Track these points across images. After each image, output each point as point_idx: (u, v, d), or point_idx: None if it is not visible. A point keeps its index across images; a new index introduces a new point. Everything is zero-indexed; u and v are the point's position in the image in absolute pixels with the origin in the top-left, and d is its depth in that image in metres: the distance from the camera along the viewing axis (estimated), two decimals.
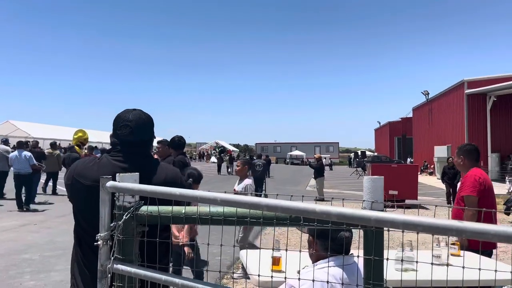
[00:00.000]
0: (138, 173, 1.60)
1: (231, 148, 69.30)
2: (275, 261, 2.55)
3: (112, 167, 1.67)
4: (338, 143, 71.43)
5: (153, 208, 1.53)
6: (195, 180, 4.05)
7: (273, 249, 2.38)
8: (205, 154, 62.95)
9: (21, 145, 10.44)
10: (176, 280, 1.38)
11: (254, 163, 14.28)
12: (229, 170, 28.49)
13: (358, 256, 1.41)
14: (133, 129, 1.73)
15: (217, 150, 64.03)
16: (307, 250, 1.89)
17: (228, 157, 32.37)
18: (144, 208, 1.54)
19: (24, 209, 9.54)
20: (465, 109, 24.10)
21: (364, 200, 1.45)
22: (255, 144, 75.34)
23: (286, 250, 1.56)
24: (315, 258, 1.79)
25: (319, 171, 14.00)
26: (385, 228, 1.34)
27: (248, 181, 5.23)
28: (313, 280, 1.41)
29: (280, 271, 2.51)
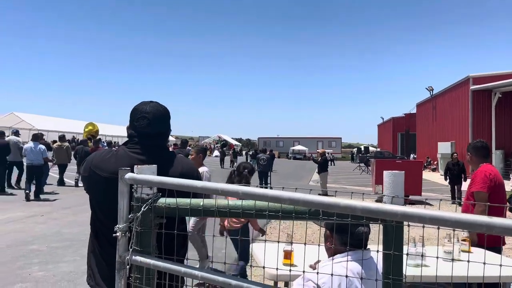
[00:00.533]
0: (156, 165, 1.60)
1: (234, 142, 69.34)
2: (287, 254, 2.56)
3: (130, 159, 1.67)
4: (340, 138, 71.36)
5: (170, 200, 1.53)
6: (250, 172, 4.76)
7: (283, 243, 2.38)
8: (208, 148, 63.01)
9: (37, 138, 10.79)
10: (196, 272, 1.38)
11: (259, 157, 14.64)
12: (234, 164, 29.04)
13: (377, 251, 1.41)
14: (150, 121, 1.73)
15: (219, 144, 64.14)
16: (321, 244, 1.88)
17: (232, 151, 32.40)
18: (162, 200, 1.54)
19: (33, 199, 9.74)
20: (470, 105, 23.97)
21: (384, 195, 1.44)
22: (257, 138, 75.39)
23: (291, 243, 1.57)
24: (331, 252, 1.79)
25: (323, 166, 13.99)
26: (405, 223, 1.35)
27: (204, 169, 5.11)
28: (332, 274, 1.40)
29: (291, 265, 2.52)
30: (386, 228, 1.42)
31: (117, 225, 1.53)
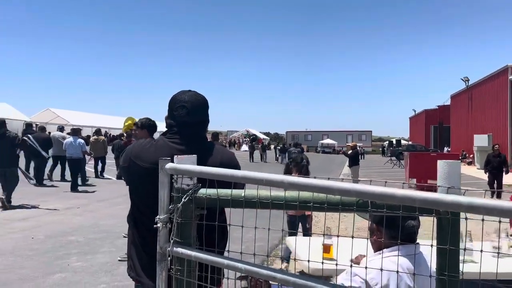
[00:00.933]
0: (196, 155, 1.57)
1: (262, 136, 69.34)
2: (326, 248, 2.48)
3: (170, 149, 1.65)
4: (371, 131, 70.05)
5: (211, 191, 1.50)
6: (308, 162, 5.10)
7: (322, 236, 2.31)
8: (236, 142, 63.34)
9: (76, 132, 11.49)
10: (239, 264, 1.33)
11: (290, 151, 14.63)
12: (263, 157, 30.08)
13: (432, 246, 1.32)
14: (189, 110, 1.70)
15: (248, 138, 64.28)
16: (359, 237, 1.80)
17: (260, 145, 32.49)
18: (202, 191, 1.51)
19: (72, 191, 10.26)
20: (508, 95, 22.93)
21: (439, 186, 1.35)
22: (285, 132, 75.02)
23: (320, 234, 1.49)
24: (377, 247, 1.71)
25: (354, 159, 13.74)
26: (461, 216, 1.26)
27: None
28: (381, 270, 1.33)
29: (331, 259, 2.44)
30: (440, 221, 1.33)
31: (158, 216, 1.51)
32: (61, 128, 13.28)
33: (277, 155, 32.80)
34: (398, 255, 1.46)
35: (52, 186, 11.13)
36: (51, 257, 4.96)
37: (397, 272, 1.36)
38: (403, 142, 52.31)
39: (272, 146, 37.27)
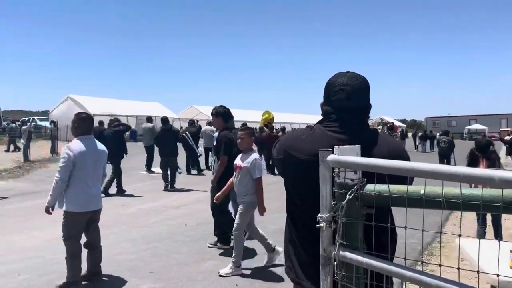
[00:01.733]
0: (359, 145, 1.36)
1: (398, 123, 65.13)
2: None
3: (329, 139, 1.47)
4: None
5: (381, 187, 1.27)
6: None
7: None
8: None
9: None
10: (434, 281, 1.07)
11: (439, 139, 13.41)
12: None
13: None
14: (349, 94, 1.49)
15: (382, 126, 60.95)
16: None
17: (399, 133, 30.51)
18: (370, 187, 1.29)
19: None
20: None
21: None
22: (425, 118, 68.97)
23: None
24: None
25: None
26: None
27: (256, 155, 4.43)
28: None
29: None
30: None
31: (320, 215, 1.35)
32: (209, 123, 13.55)
33: (417, 143, 30.74)
34: None
35: (201, 174, 12.27)
36: (203, 244, 5.32)
37: None
38: None
39: (410, 134, 34.53)
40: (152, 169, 12.50)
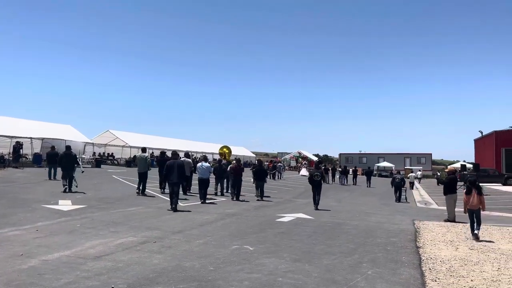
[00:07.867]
0: None
1: (314, 158, 67.38)
2: None
3: None
4: (430, 154, 66.09)
5: None
6: None
7: None
8: (296, 165, 61.94)
9: (206, 159, 15.16)
10: None
11: (395, 177, 13.94)
12: (325, 179, 29.27)
13: None
14: None
15: (299, 158, 62.47)
16: None
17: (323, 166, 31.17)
18: None
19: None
20: None
21: None
22: (339, 154, 72.44)
23: None
24: None
25: (450, 187, 11.96)
26: None
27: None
28: None
29: None
30: None
31: None
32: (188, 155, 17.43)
33: (336, 177, 32.74)
34: None
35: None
36: None
37: None
38: (468, 165, 48.57)
39: (330, 169, 35.32)
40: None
